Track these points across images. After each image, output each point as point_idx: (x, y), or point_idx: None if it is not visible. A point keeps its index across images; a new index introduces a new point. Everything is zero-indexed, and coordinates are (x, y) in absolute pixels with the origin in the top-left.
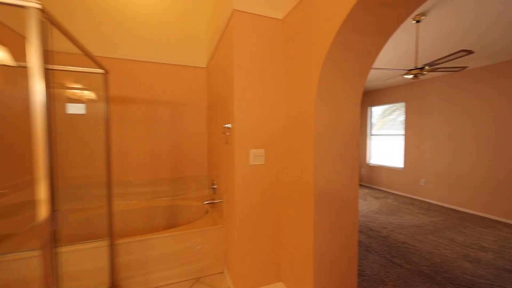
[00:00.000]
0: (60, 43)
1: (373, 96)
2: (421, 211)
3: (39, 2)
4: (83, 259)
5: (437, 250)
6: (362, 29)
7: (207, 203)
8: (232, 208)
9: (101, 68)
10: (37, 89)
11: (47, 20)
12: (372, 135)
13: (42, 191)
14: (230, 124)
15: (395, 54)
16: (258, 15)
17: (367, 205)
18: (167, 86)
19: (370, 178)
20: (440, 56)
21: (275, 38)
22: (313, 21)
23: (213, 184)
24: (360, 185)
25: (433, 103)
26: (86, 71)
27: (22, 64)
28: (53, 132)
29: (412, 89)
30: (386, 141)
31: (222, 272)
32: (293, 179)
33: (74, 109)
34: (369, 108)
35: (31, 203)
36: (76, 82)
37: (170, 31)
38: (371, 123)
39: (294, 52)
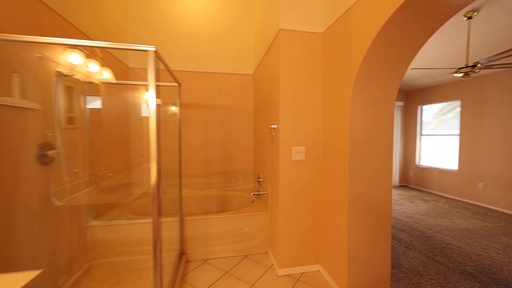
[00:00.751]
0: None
1: (424, 94)
2: (475, 216)
3: (154, 46)
4: (162, 229)
5: (486, 253)
6: (393, 42)
7: (254, 194)
8: (276, 197)
9: (177, 82)
10: (152, 99)
11: (157, 57)
12: (422, 135)
13: (153, 169)
14: (275, 125)
15: (446, 51)
16: (301, 31)
17: (414, 207)
18: (219, 92)
19: (419, 180)
20: (495, 52)
21: (315, 49)
22: (350, 34)
23: (259, 178)
24: (408, 187)
25: (492, 100)
26: (167, 85)
27: (121, 82)
28: (159, 128)
29: (469, 86)
30: (439, 142)
31: (266, 253)
32: (330, 173)
33: (146, 112)
34: (419, 107)
35: (126, 185)
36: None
37: (222, 44)
38: (421, 123)
39: (331, 61)
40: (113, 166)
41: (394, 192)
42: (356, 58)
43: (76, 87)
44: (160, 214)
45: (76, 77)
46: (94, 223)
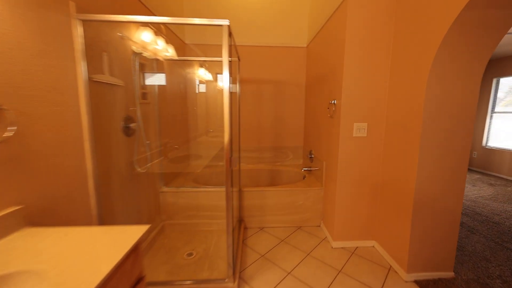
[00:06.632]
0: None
1: (501, 64)
2: None
3: (228, 19)
4: (223, 198)
5: None
6: (497, 2)
7: (305, 170)
8: (333, 173)
9: (237, 57)
10: (225, 75)
11: (228, 31)
12: (494, 112)
13: (226, 142)
14: (335, 100)
15: None
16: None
17: (477, 190)
18: (272, 67)
19: (484, 162)
20: None
21: (384, 19)
22: (431, 3)
23: (311, 154)
24: (470, 169)
25: None
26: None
27: (182, 58)
28: (231, 104)
29: None
30: None
31: (319, 226)
32: (394, 153)
33: (202, 88)
34: (494, 79)
35: (188, 156)
36: (202, 66)
37: (276, 16)
38: (494, 99)
39: (406, 24)
40: (177, 138)
41: None
42: (443, 20)
43: (147, 64)
44: (231, 183)
45: (144, 54)
46: (165, 189)
